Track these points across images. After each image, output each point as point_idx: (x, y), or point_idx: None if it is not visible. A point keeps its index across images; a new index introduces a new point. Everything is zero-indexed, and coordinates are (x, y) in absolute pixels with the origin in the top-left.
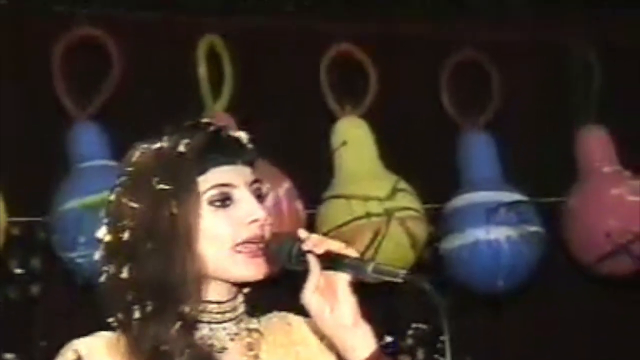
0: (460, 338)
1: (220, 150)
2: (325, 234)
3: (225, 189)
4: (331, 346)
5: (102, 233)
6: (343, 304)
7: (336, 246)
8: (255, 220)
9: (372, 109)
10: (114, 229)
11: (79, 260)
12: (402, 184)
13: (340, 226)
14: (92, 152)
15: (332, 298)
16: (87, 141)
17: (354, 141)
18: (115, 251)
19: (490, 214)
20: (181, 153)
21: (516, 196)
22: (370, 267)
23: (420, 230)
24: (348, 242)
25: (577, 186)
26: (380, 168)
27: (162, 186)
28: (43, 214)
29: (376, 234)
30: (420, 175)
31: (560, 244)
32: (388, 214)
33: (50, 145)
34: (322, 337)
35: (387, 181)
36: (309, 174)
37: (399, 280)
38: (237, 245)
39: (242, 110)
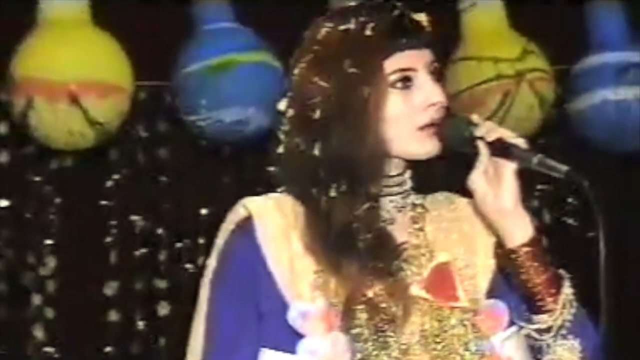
0: (585, 204)
1: (403, 35)
2: (455, 96)
3: (407, 73)
4: (491, 229)
5: (284, 106)
6: (506, 191)
7: (507, 134)
8: (433, 104)
9: None
10: (301, 105)
11: (201, 124)
12: (532, 46)
13: (471, 87)
14: (216, 14)
15: (496, 184)
16: (212, 3)
17: (482, 2)
18: (304, 128)
19: (619, 74)
20: (368, 37)
21: None
22: (535, 159)
23: (549, 91)
24: (478, 103)
25: None
26: (509, 30)
27: (352, 70)
28: (169, 77)
29: (506, 95)
30: (548, 36)
31: None
32: (519, 75)
33: (176, 8)
34: (485, 221)
35: (517, 43)
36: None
37: (561, 175)
38: (418, 129)
39: None
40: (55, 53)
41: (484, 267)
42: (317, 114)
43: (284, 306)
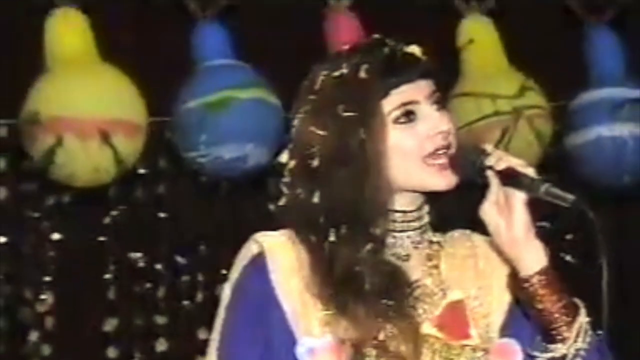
0: (590, 237)
1: (399, 71)
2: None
3: (408, 107)
4: (507, 260)
5: (285, 158)
6: (517, 221)
7: (517, 163)
8: (440, 132)
9: (497, 7)
10: (301, 155)
11: (201, 160)
12: (530, 82)
13: (469, 124)
14: (214, 51)
15: (507, 214)
16: (210, 41)
17: (480, 40)
18: (304, 177)
19: (615, 110)
20: (363, 80)
21: None
22: (543, 188)
23: (547, 127)
24: (476, 140)
25: None
26: (507, 66)
27: (348, 114)
28: (168, 114)
29: (504, 132)
30: (546, 72)
31: None
32: (517, 112)
33: (176, 45)
34: (500, 252)
35: (515, 79)
36: None
37: (567, 205)
38: (425, 157)
39: (363, 7)
40: (82, 91)
41: (499, 305)
42: (316, 162)
43: (293, 341)
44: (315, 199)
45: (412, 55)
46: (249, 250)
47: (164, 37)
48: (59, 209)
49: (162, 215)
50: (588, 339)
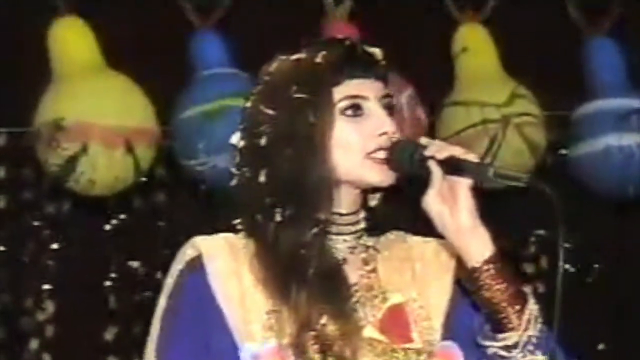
0: (589, 245)
1: (355, 63)
2: (443, 141)
3: (357, 100)
4: (453, 253)
5: (237, 139)
6: (462, 209)
7: (458, 151)
8: (384, 133)
9: (495, 15)
10: (250, 135)
11: (199, 168)
12: (522, 90)
13: (458, 133)
14: (212, 60)
15: (452, 203)
16: (208, 49)
17: (474, 48)
18: (251, 156)
19: (621, 120)
20: (318, 64)
21: None
22: (491, 171)
23: (539, 136)
24: (466, 149)
25: None
26: (500, 74)
27: (299, 95)
28: (167, 122)
29: (493, 141)
30: (545, 81)
31: None
32: (505, 120)
33: (175, 54)
34: (440, 251)
35: (505, 87)
36: (431, 80)
37: (521, 184)
38: (368, 154)
39: (362, 17)
40: (106, 99)
41: (438, 308)
42: (264, 141)
43: (234, 347)
44: (262, 177)
45: (371, 55)
46: (185, 254)
47: (162, 46)
48: (58, 217)
49: (161, 223)
50: (539, 326)
